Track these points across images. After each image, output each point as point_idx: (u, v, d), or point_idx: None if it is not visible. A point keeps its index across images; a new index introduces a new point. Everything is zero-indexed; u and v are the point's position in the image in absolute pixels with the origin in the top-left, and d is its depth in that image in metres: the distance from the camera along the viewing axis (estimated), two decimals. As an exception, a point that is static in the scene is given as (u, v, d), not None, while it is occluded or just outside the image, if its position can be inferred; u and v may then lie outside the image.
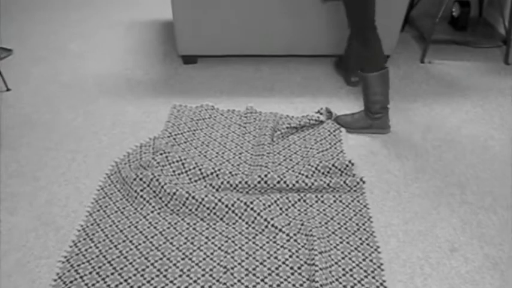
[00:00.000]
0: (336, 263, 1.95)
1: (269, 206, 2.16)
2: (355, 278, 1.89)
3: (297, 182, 2.25)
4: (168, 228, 2.10)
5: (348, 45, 3.04)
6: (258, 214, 2.11)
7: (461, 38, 3.49)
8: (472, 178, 2.39)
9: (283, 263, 1.95)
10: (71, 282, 1.87)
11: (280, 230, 2.07)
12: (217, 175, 2.31)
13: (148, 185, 2.22)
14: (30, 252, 2.01)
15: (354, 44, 2.90)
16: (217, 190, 2.25)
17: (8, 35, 3.68)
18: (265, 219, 2.10)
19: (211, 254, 1.99)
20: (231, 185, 2.25)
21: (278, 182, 2.24)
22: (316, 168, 2.34)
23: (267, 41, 3.15)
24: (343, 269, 1.92)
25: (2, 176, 2.38)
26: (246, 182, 2.24)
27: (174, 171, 2.32)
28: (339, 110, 2.87)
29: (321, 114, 2.77)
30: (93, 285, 1.86)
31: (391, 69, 3.15)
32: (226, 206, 2.13)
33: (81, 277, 1.89)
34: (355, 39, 2.47)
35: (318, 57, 3.43)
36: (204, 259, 1.96)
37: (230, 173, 2.32)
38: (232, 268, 1.92)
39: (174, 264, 1.94)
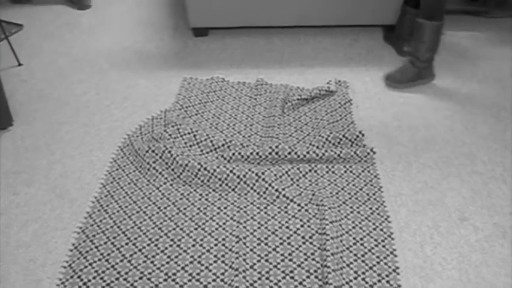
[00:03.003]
0: (347, 232, 1.97)
1: (280, 176, 2.19)
2: (365, 247, 1.92)
3: (308, 152, 2.26)
4: (181, 199, 2.13)
5: (401, 14, 3.03)
6: (270, 185, 2.13)
7: (473, 8, 3.46)
8: (483, 148, 2.39)
9: (295, 232, 1.98)
10: (87, 252, 1.92)
11: (291, 200, 2.09)
12: (228, 147, 2.33)
13: (160, 157, 2.25)
14: (47, 224, 2.05)
15: (410, 11, 2.96)
16: (228, 161, 2.27)
17: (17, 10, 3.68)
18: (277, 190, 2.12)
19: (224, 224, 2.02)
20: (243, 156, 2.27)
21: (289, 153, 2.25)
22: (326, 139, 2.36)
23: (277, 11, 3.14)
24: (354, 238, 1.95)
25: (18, 149, 2.42)
26: (257, 153, 2.26)
27: (185, 143, 2.34)
28: (348, 80, 2.86)
29: (331, 85, 2.77)
30: (108, 254, 1.91)
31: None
32: (238, 176, 2.16)
33: (96, 247, 1.93)
34: None
35: (328, 27, 3.41)
36: (216, 229, 2.00)
37: (241, 144, 2.34)
38: (244, 238, 1.96)
39: (187, 234, 1.98)
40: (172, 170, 2.22)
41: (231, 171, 2.17)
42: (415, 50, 2.72)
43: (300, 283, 1.80)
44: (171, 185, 2.20)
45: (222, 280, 1.81)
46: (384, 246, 1.93)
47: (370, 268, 1.85)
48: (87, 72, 3.00)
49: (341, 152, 2.27)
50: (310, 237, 1.95)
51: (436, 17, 2.58)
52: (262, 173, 2.16)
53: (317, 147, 2.34)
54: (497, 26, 3.45)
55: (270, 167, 2.22)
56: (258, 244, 1.94)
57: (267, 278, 1.82)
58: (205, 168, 2.18)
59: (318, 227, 1.99)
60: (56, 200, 2.16)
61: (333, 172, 2.24)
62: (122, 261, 1.88)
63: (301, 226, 2.00)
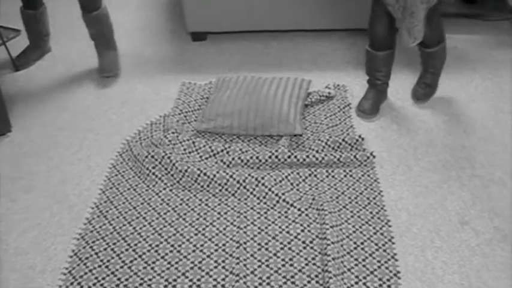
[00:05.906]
0: (348, 236, 1.97)
1: (280, 181, 2.18)
2: (366, 251, 1.92)
3: (308, 157, 2.26)
4: (181, 204, 2.12)
5: None
6: (269, 189, 2.13)
7: (470, 11, 3.46)
8: (482, 152, 2.39)
9: (295, 237, 1.97)
10: (87, 258, 1.91)
11: (291, 205, 2.09)
12: (227, 152, 2.33)
13: (160, 163, 2.24)
14: (46, 230, 2.05)
15: None
16: (228, 166, 2.27)
17: (15, 15, 3.67)
18: (277, 195, 2.11)
19: (224, 229, 2.01)
20: (242, 161, 2.26)
21: (289, 157, 2.25)
22: (326, 143, 2.35)
23: (275, 15, 3.14)
24: (355, 243, 1.95)
25: (17, 155, 2.41)
26: (257, 158, 2.26)
27: (184, 150, 2.34)
28: (347, 84, 2.86)
29: (330, 89, 2.77)
30: (108, 261, 1.90)
31: (399, 43, 3.12)
32: (238, 181, 2.15)
33: (96, 253, 1.93)
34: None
35: (326, 31, 3.41)
36: (216, 234, 1.99)
37: (240, 149, 2.34)
38: (244, 243, 1.95)
39: (187, 240, 1.97)
40: (172, 175, 2.21)
41: (230, 176, 2.16)
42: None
43: (301, 288, 1.79)
44: (171, 190, 2.19)
45: (222, 286, 1.80)
46: (384, 250, 1.92)
47: (371, 273, 1.84)
48: (85, 78, 2.99)
49: (341, 156, 2.27)
50: (311, 242, 1.95)
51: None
52: (262, 178, 2.16)
53: (317, 151, 2.34)
54: (494, 29, 3.46)
55: (270, 172, 2.22)
56: (259, 249, 1.93)
57: (268, 284, 1.81)
58: (205, 174, 2.17)
59: (318, 231, 1.98)
60: (55, 206, 2.15)
61: (333, 176, 2.24)
62: (122, 267, 1.87)
63: (302, 231, 1.99)
